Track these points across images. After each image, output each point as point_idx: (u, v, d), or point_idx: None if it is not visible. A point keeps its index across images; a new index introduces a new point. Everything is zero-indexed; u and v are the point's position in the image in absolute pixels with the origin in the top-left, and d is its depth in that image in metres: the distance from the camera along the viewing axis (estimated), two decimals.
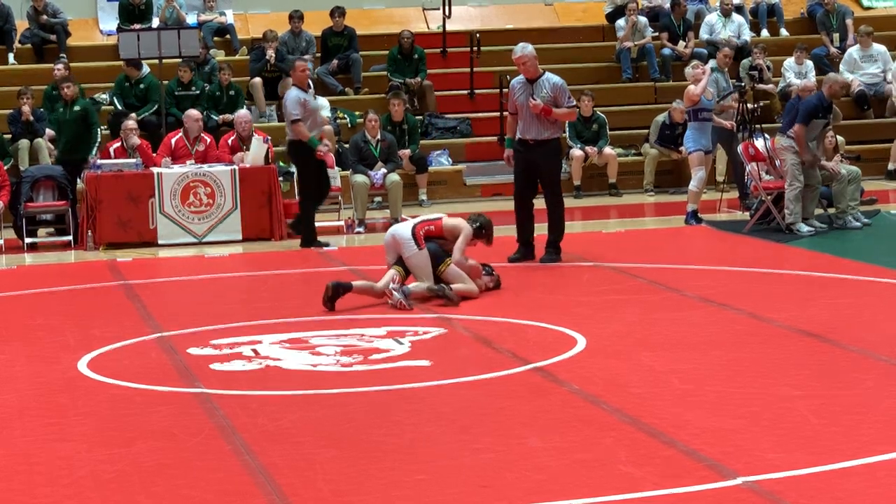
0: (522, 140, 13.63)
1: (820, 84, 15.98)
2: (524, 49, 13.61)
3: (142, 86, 19.30)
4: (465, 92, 21.35)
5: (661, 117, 19.80)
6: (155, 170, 16.19)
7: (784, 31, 23.49)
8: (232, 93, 19.59)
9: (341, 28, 21.22)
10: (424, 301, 11.56)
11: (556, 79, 13.68)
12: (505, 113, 15.23)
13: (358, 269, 13.30)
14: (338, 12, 21.18)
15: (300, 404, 8.26)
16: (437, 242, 11.83)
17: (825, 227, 15.27)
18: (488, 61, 21.42)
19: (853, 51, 21.67)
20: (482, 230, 12.08)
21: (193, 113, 17.39)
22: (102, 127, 19.07)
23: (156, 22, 21.28)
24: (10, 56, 21.11)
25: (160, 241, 15.98)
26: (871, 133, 20.84)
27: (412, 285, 11.59)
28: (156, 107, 18.95)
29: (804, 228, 14.88)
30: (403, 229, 11.85)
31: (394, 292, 11.40)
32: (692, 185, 16.12)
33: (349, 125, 20.01)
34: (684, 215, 16.31)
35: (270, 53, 20.18)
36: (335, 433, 7.56)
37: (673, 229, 16.27)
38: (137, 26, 20.54)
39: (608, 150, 19.46)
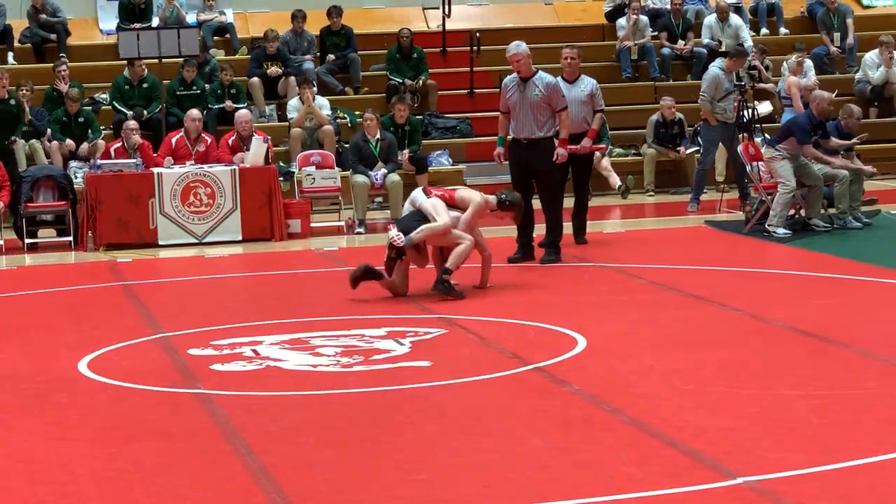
0: (516, 139, 13.60)
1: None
2: (518, 47, 13.58)
3: (145, 85, 19.30)
4: (465, 91, 21.34)
5: (654, 116, 19.82)
6: (155, 170, 16.18)
7: (784, 30, 23.47)
8: (233, 91, 19.63)
9: (339, 27, 21.22)
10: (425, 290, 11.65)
11: (549, 78, 13.63)
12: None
13: None
14: (335, 12, 21.17)
15: (300, 405, 8.26)
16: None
17: (828, 226, 15.25)
18: (488, 61, 21.39)
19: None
20: (506, 203, 12.24)
21: (194, 113, 17.39)
22: (102, 127, 19.07)
23: (156, 21, 21.27)
24: (10, 56, 21.10)
25: (160, 242, 15.97)
26: (872, 133, 20.72)
27: (415, 232, 11.76)
28: (160, 106, 18.95)
29: (780, 231, 14.81)
30: (416, 193, 12.26)
31: (392, 227, 11.92)
32: None
33: (349, 125, 20.00)
34: (685, 215, 16.39)
35: (274, 70, 20.21)
36: (335, 433, 7.55)
37: (673, 229, 16.27)
38: (137, 25, 20.54)
39: (606, 161, 19.33)
